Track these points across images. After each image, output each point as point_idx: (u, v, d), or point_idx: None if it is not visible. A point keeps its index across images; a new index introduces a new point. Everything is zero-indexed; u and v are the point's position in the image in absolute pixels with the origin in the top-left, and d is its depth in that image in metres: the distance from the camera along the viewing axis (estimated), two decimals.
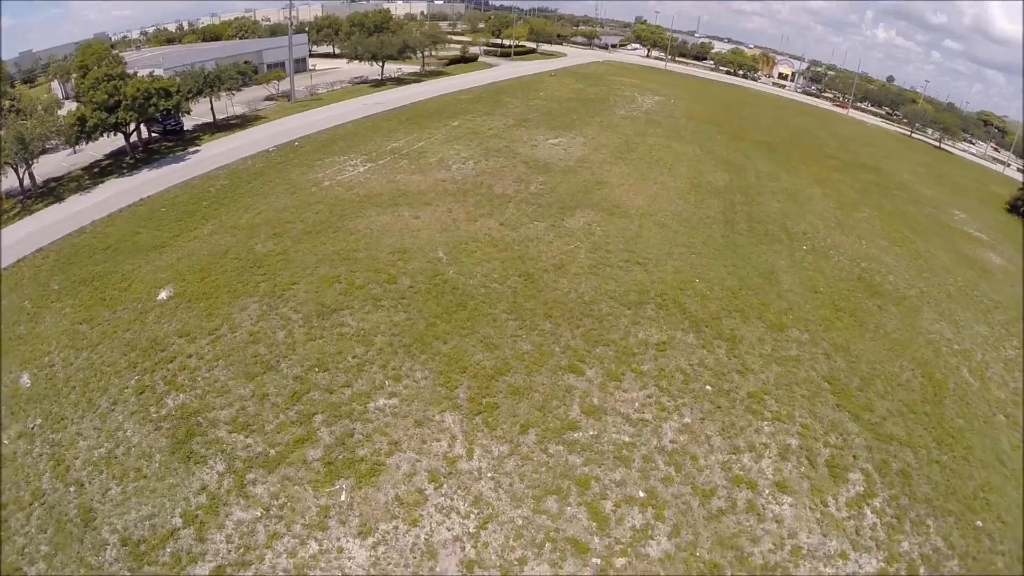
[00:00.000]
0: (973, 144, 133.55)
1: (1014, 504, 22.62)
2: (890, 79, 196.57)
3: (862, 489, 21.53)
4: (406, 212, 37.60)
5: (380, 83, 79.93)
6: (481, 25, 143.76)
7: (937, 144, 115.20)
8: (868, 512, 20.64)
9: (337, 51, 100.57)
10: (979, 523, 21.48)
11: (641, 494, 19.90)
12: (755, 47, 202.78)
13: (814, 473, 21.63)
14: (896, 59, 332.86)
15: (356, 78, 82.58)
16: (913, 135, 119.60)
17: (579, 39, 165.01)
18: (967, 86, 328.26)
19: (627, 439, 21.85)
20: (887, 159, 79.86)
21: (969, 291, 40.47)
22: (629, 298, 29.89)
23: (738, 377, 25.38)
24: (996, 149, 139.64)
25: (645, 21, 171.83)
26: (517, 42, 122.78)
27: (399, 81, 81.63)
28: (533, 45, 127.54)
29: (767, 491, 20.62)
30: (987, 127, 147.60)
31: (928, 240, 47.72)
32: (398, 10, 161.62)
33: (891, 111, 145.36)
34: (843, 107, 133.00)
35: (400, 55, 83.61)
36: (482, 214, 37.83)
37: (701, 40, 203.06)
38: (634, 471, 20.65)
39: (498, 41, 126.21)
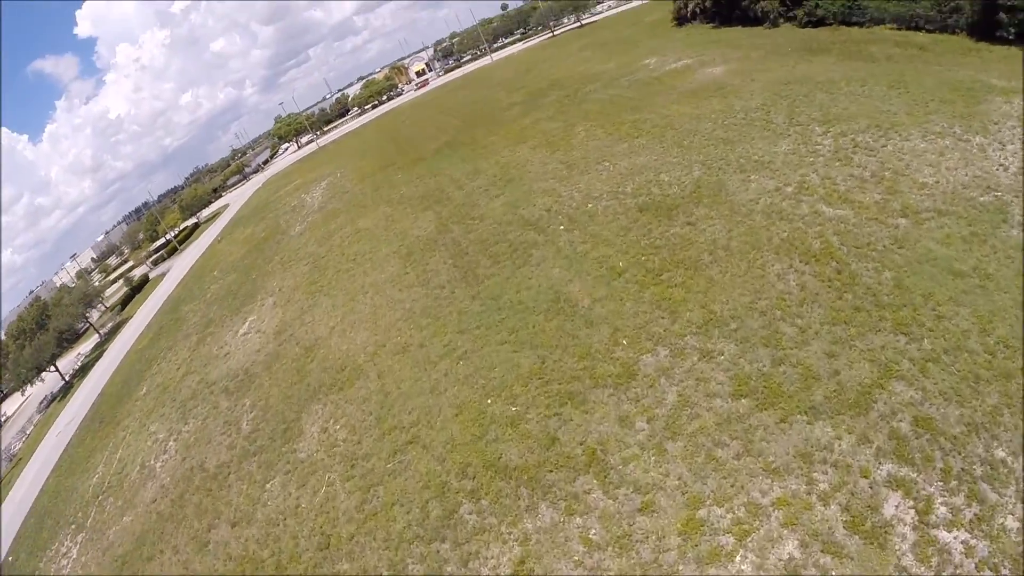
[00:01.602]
0: (602, 1, 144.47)
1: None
2: (504, 7, 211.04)
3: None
4: None
5: (68, 388, 66.91)
6: (141, 236, 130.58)
7: (579, 25, 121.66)
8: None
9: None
10: None
11: None
12: (382, 69, 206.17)
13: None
14: None
15: (44, 399, 70.89)
16: (555, 33, 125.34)
17: (234, 179, 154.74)
18: None
19: None
20: (554, 69, 79.39)
21: (732, 121, 35.99)
22: (433, 517, 18.75)
23: (640, 472, 14.87)
24: None
25: (282, 117, 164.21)
26: (178, 229, 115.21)
27: (83, 370, 69.74)
28: (194, 220, 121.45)
29: (815, 548, 10.26)
30: None
31: (653, 108, 43.30)
32: (65, 275, 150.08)
33: (524, 29, 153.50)
34: (424, 85, 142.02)
35: (63, 346, 73.38)
36: (209, 526, 25.31)
37: (335, 97, 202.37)
38: None
39: (162, 241, 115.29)
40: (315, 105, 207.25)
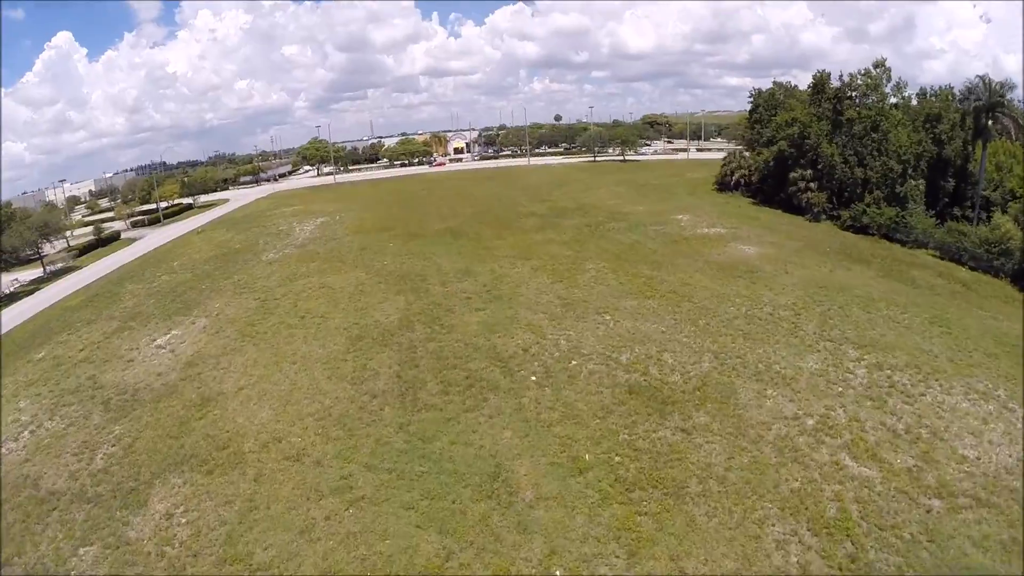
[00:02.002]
0: (649, 145, 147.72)
1: None
2: (558, 118, 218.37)
3: None
4: None
5: None
6: (134, 193, 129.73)
7: (621, 159, 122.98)
8: None
9: None
10: None
11: None
12: (425, 133, 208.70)
13: None
14: (557, 102, 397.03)
15: None
16: (597, 159, 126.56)
17: (246, 178, 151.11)
18: (622, 102, 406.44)
19: None
20: (584, 193, 77.54)
21: (757, 313, 32.29)
22: None
23: None
24: (670, 142, 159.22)
25: (316, 140, 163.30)
26: (170, 202, 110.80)
27: (9, 299, 63.05)
28: (189, 200, 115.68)
29: None
30: (655, 127, 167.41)
31: (674, 270, 39.72)
32: (60, 196, 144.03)
33: (569, 145, 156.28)
34: (440, 165, 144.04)
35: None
36: (5, 561, 20.43)
37: (371, 141, 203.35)
38: None
39: (151, 206, 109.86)
40: (351, 141, 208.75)
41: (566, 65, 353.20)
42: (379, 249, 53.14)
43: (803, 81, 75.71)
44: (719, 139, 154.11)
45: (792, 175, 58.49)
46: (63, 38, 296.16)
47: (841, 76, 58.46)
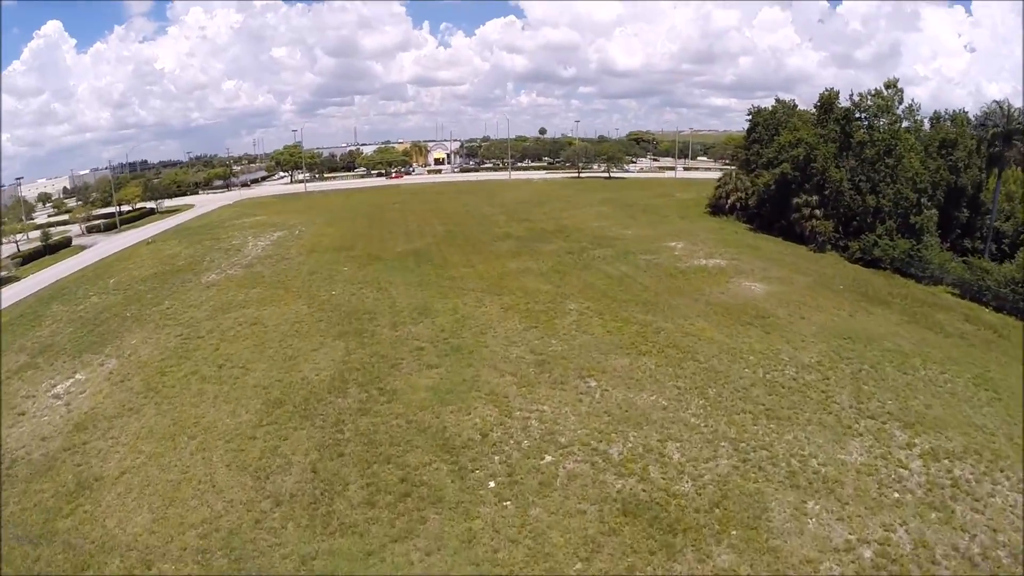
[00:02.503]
0: (635, 162, 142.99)
1: None
2: (542, 131, 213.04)
3: None
4: None
5: None
6: (96, 194, 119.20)
7: (607, 176, 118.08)
8: None
9: None
10: None
11: None
12: (406, 142, 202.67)
13: None
14: (543, 116, 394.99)
15: None
16: (581, 175, 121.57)
17: (218, 183, 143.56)
18: (608, 118, 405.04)
19: None
20: (567, 212, 71.76)
21: (778, 377, 26.30)
22: None
23: None
24: (655, 159, 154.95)
25: (292, 144, 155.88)
26: (132, 206, 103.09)
27: None
28: (152, 205, 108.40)
29: None
30: (640, 144, 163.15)
31: (672, 314, 33.81)
32: (34, 191, 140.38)
33: (552, 160, 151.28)
34: (398, 176, 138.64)
35: None
36: None
37: (350, 149, 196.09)
38: None
39: (111, 210, 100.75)
40: (330, 148, 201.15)
41: (554, 79, 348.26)
42: (330, 274, 46.51)
43: None
44: (703, 158, 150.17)
45: (796, 200, 53.05)
46: (52, 27, 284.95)
47: (851, 96, 53.47)
